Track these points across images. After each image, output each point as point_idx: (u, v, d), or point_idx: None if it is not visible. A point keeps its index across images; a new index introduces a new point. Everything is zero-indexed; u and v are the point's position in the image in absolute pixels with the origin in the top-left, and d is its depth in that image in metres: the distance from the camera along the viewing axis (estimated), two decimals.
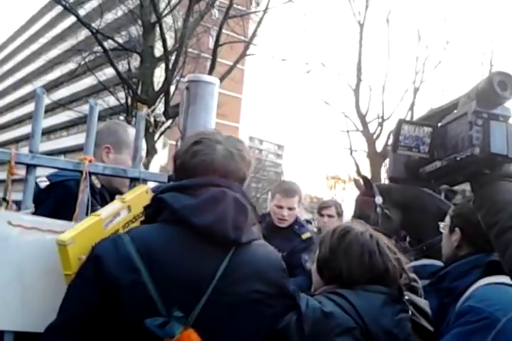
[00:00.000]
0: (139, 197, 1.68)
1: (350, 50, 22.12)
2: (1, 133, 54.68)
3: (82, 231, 1.46)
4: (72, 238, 1.42)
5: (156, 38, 15.13)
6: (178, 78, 14.75)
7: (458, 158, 1.20)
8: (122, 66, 16.59)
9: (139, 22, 15.55)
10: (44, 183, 1.95)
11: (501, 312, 1.51)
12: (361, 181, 3.19)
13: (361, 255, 1.53)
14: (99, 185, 2.05)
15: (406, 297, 1.57)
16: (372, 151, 18.69)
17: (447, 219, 1.93)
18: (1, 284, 1.49)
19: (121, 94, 17.06)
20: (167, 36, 14.61)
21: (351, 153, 19.75)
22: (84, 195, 1.66)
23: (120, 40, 16.14)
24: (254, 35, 15.98)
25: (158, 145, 14.07)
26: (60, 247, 1.42)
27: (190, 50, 15.90)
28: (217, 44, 14.67)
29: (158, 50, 15.12)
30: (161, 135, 13.69)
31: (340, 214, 4.35)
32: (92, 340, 1.29)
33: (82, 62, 16.89)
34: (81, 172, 1.66)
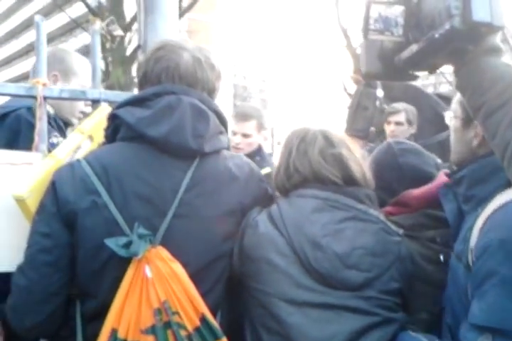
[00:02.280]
0: (100, 122, 1.52)
1: None
2: None
3: (39, 181, 1.33)
4: (29, 191, 1.31)
5: None
6: None
7: (436, 35, 1.05)
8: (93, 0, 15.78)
9: None
10: None
11: None
12: (359, 77, 2.98)
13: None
14: (52, 111, 1.88)
15: None
16: (358, 66, 18.29)
17: (457, 107, 1.45)
18: None
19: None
20: None
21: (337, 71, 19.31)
22: (42, 123, 1.51)
23: None
24: None
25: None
26: (19, 202, 1.31)
27: None
28: None
29: None
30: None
31: (411, 122, 3.54)
32: (62, 271, 1.23)
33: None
34: (35, 97, 1.51)
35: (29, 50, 25.86)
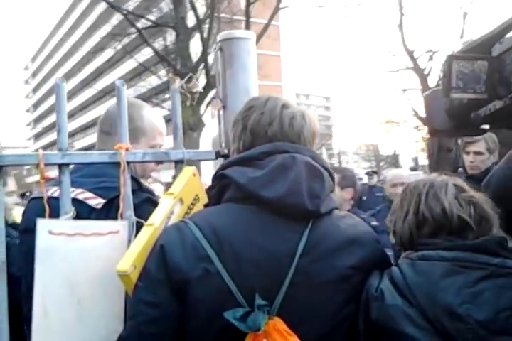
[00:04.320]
0: (187, 184, 1.46)
1: None
2: (52, 133, 56.52)
3: (140, 252, 1.25)
4: (132, 265, 1.23)
5: (186, 9, 14.80)
6: (214, 46, 14.45)
7: None
8: (158, 44, 16.42)
9: None
10: (95, 201, 1.55)
11: None
12: None
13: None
14: None
15: None
16: (426, 87, 17.91)
17: None
18: (54, 300, 1.34)
19: (163, 73, 16.97)
20: (197, 4, 14.26)
21: (404, 92, 19.05)
22: (126, 189, 1.46)
23: (152, 18, 15.92)
24: None
25: (206, 117, 13.92)
26: (123, 278, 1.23)
27: (222, 15, 15.49)
28: (248, 2, 14.21)
29: (191, 20, 14.81)
30: (207, 106, 13.55)
31: (491, 151, 3.27)
32: None
33: (119, 47, 16.83)
34: (118, 163, 1.46)
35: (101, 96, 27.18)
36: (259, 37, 13.24)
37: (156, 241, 1.20)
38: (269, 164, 1.20)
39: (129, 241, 1.43)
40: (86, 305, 1.36)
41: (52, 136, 54.25)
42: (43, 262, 1.34)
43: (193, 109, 11.81)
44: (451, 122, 1.19)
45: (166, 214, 1.36)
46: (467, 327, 1.10)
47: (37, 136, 66.50)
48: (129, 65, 25.66)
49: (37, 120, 65.92)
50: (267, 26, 14.55)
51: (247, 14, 14.05)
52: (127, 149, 1.48)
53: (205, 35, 13.90)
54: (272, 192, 1.16)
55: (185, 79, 1.60)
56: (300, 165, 1.19)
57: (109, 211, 1.51)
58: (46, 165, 1.39)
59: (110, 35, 18.15)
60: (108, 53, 19.84)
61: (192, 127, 12.44)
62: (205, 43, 13.81)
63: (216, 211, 1.24)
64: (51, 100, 58.34)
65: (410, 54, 18.04)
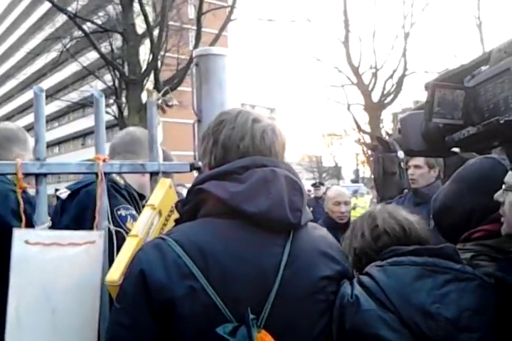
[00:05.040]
0: (165, 195, 1.50)
1: (335, 1, 21.82)
2: None
3: (128, 262, 1.26)
4: (121, 275, 1.24)
5: (135, 15, 14.66)
6: (162, 53, 14.38)
7: (501, 121, 1.03)
8: (105, 48, 16.16)
9: (116, 0, 15.05)
10: (65, 194, 1.89)
11: None
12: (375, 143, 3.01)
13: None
14: (122, 182, 1.90)
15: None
16: (369, 103, 18.53)
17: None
18: (29, 310, 1.33)
19: (108, 77, 16.70)
20: (147, 11, 14.17)
21: (348, 108, 19.60)
22: (102, 201, 1.47)
23: (99, 22, 15.66)
24: None
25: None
26: (112, 288, 1.25)
27: (171, 23, 15.45)
28: (200, 13, 14.24)
29: (140, 27, 14.69)
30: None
31: (430, 166, 3.48)
32: None
33: (64, 49, 16.43)
34: (96, 174, 1.47)
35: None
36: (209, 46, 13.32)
37: (134, 261, 1.18)
38: (249, 178, 1.20)
39: (105, 252, 1.44)
40: (60, 315, 1.36)
41: None
42: (18, 272, 1.33)
43: (140, 116, 11.75)
44: (425, 143, 1.27)
45: (148, 225, 1.39)
46: (438, 324, 1.20)
47: None
48: (71, 69, 25.00)
49: None
50: (218, 37, 14.63)
51: (199, 24, 14.07)
52: (104, 160, 1.50)
53: (155, 41, 13.82)
54: (255, 206, 1.17)
55: (162, 93, 1.64)
56: (281, 178, 1.21)
57: (73, 199, 1.85)
58: (25, 175, 1.39)
59: (54, 37, 17.74)
60: (51, 55, 19.27)
61: None
62: (155, 51, 13.73)
63: (195, 226, 1.22)
64: None
65: (355, 70, 18.58)
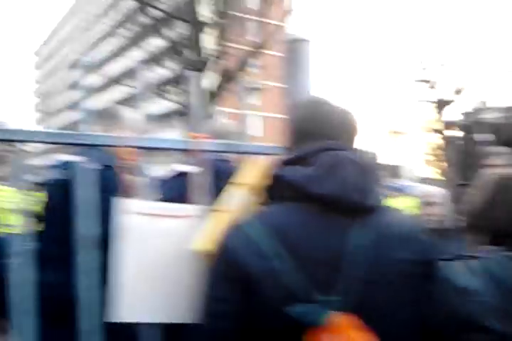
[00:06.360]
0: (256, 176, 1.55)
1: None
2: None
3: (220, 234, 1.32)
4: (213, 246, 1.31)
5: (199, 4, 14.81)
6: (225, 43, 14.54)
7: None
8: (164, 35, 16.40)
9: None
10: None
11: None
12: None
13: None
14: None
15: None
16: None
17: None
18: (130, 276, 1.44)
19: (169, 64, 16.97)
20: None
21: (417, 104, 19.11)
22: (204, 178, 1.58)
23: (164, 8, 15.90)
24: None
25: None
26: (206, 256, 1.33)
27: (235, 12, 15.54)
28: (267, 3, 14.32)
29: (203, 16, 14.84)
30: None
31: None
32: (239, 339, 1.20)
33: (130, 36, 16.79)
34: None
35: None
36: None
37: (223, 239, 1.25)
38: (318, 161, 1.25)
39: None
40: (168, 282, 1.47)
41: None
42: (125, 240, 1.44)
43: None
44: None
45: (240, 203, 1.46)
46: None
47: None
48: (133, 55, 25.57)
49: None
50: (278, 27, 14.68)
51: (262, 14, 14.17)
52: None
53: (218, 31, 14.00)
54: (323, 188, 1.21)
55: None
56: (346, 162, 1.25)
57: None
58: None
59: (119, 23, 18.13)
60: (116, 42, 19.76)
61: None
62: (219, 39, 13.91)
63: (277, 210, 1.28)
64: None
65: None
